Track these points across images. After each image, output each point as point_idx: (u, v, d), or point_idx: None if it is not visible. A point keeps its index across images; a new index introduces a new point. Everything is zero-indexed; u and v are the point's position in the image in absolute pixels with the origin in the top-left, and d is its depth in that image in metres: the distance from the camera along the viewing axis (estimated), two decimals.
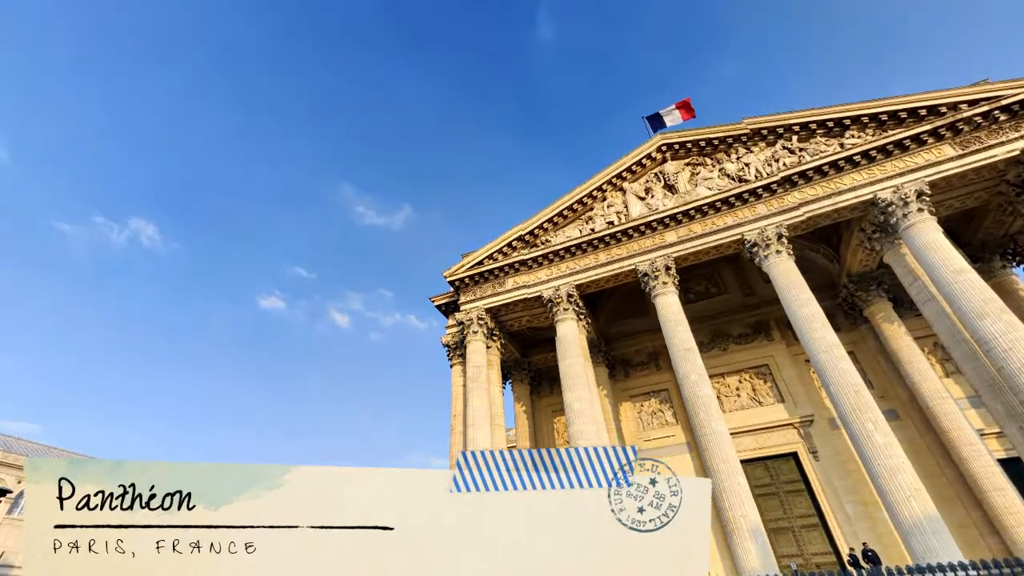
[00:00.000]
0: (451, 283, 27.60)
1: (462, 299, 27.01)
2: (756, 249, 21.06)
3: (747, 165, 23.19)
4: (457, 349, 27.58)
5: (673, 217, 22.99)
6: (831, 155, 20.82)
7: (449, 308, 29.22)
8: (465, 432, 23.62)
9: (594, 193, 25.99)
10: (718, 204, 22.39)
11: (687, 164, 25.42)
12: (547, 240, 26.26)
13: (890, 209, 19.40)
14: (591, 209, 26.28)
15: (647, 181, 25.66)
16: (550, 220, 26.17)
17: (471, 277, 26.70)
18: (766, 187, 21.71)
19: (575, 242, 24.54)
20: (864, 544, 17.12)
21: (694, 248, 22.51)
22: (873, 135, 21.08)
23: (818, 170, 21.01)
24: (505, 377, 30.10)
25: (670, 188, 24.92)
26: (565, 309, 23.88)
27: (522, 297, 25.38)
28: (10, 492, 12.63)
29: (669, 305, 21.77)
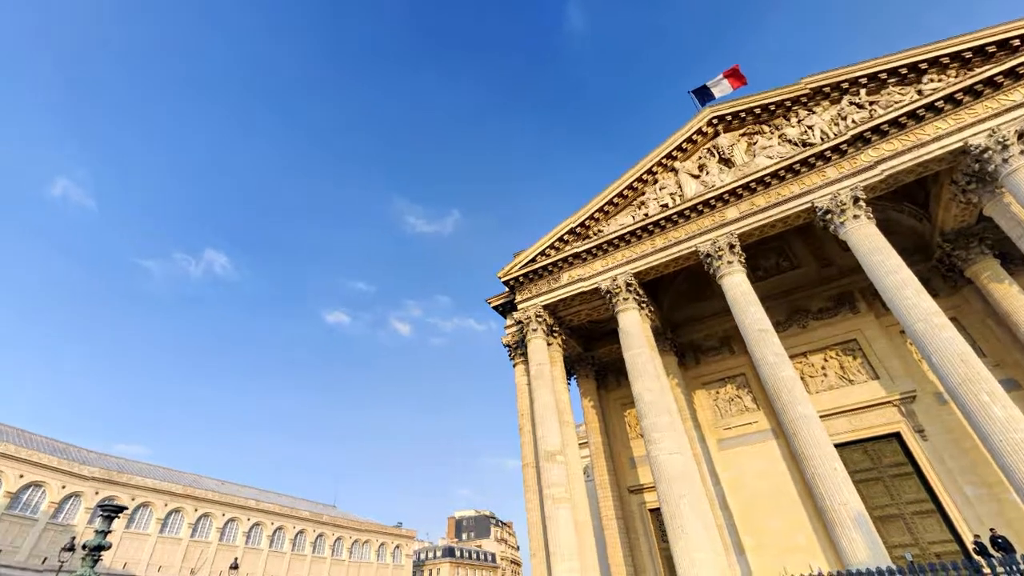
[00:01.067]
0: (505, 283, 27.73)
1: (518, 298, 27.07)
2: (830, 216, 19.53)
3: (810, 128, 21.60)
4: (518, 348, 27.67)
5: (732, 192, 21.81)
6: (909, 104, 18.91)
7: (506, 308, 29.38)
8: (534, 431, 23.63)
9: (644, 177, 25.19)
10: (781, 173, 20.98)
11: (742, 135, 24.06)
12: (599, 230, 25.76)
13: (986, 156, 17.34)
14: (642, 194, 25.50)
15: (700, 158, 24.55)
16: (600, 209, 25.65)
17: (525, 275, 26.69)
18: (835, 148, 20.08)
19: (628, 229, 23.88)
20: (992, 530, 15.33)
21: (759, 223, 21.22)
22: (957, 76, 18.96)
23: (894, 123, 19.17)
24: (569, 373, 29.82)
25: (726, 162, 23.70)
26: (625, 299, 23.29)
27: (579, 291, 25.04)
28: (126, 509, 14.28)
29: (737, 285, 20.66)
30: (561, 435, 22.59)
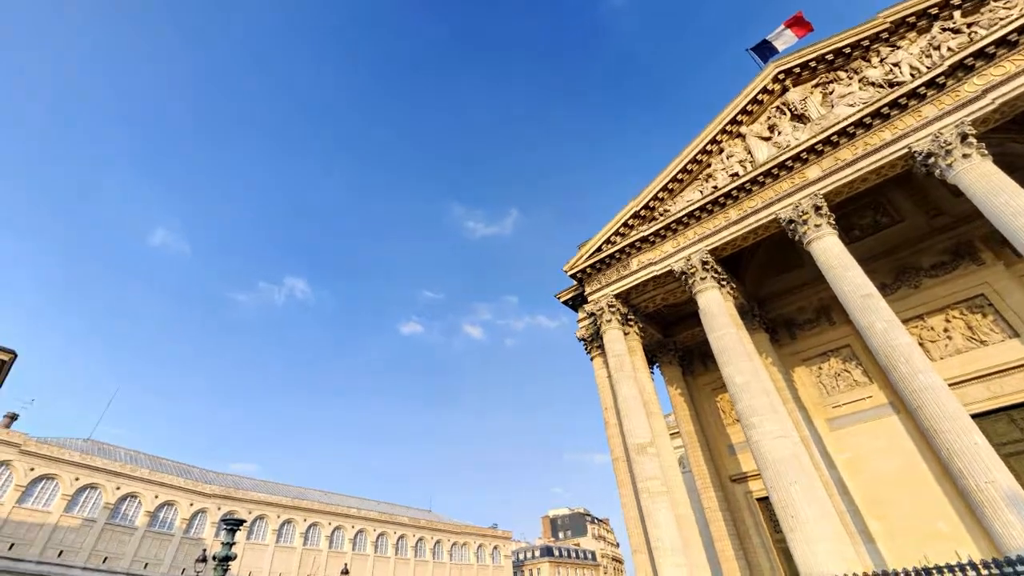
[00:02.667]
0: (572, 276, 27.56)
1: (587, 290, 26.81)
2: (933, 160, 17.48)
3: (896, 66, 19.49)
4: (593, 341, 27.40)
5: (811, 149, 20.16)
6: (1020, 17, 16.51)
7: (576, 302, 29.18)
8: (620, 424, 23.29)
9: (707, 148, 23.99)
10: (867, 120, 19.08)
11: (815, 86, 22.21)
12: (666, 210, 24.88)
13: None
14: (708, 166, 24.30)
15: (768, 118, 22.96)
16: (664, 188, 24.76)
17: (592, 266, 26.38)
18: (931, 83, 17.94)
19: (697, 205, 22.84)
20: None
21: (846, 179, 19.44)
22: None
23: (1003, 42, 16.79)
24: (651, 361, 29.06)
25: (799, 118, 21.99)
26: (702, 279, 22.30)
27: (651, 275, 24.33)
28: (245, 522, 15.99)
29: (828, 250, 19.08)
30: (650, 426, 22.09)
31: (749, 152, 22.74)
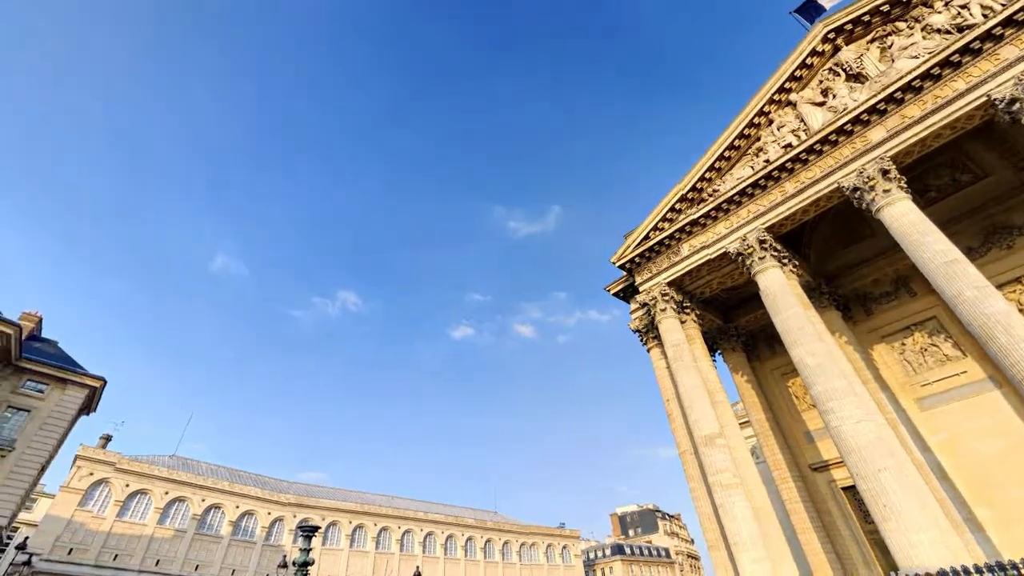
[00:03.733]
0: (621, 267, 27.20)
1: (638, 280, 26.38)
2: (1019, 107, 15.96)
3: (964, 7, 17.99)
4: (649, 332, 26.93)
5: (873, 110, 18.88)
6: None
7: (627, 293, 28.76)
8: (685, 416, 22.80)
9: (755, 120, 22.98)
10: (936, 71, 17.65)
11: (870, 41, 20.81)
12: (715, 190, 24.07)
13: None
14: (757, 140, 23.30)
15: (821, 82, 21.72)
16: (711, 168, 23.95)
17: (640, 255, 25.92)
18: (1009, 21, 16.37)
19: (749, 181, 21.95)
20: None
21: (915, 137, 18.08)
22: None
23: None
24: (712, 348, 28.22)
25: (856, 78, 20.67)
26: (761, 258, 21.42)
27: (704, 259, 23.63)
28: (319, 528, 16.89)
29: (902, 216, 17.82)
30: (716, 417, 21.50)
31: (802, 120, 21.60)
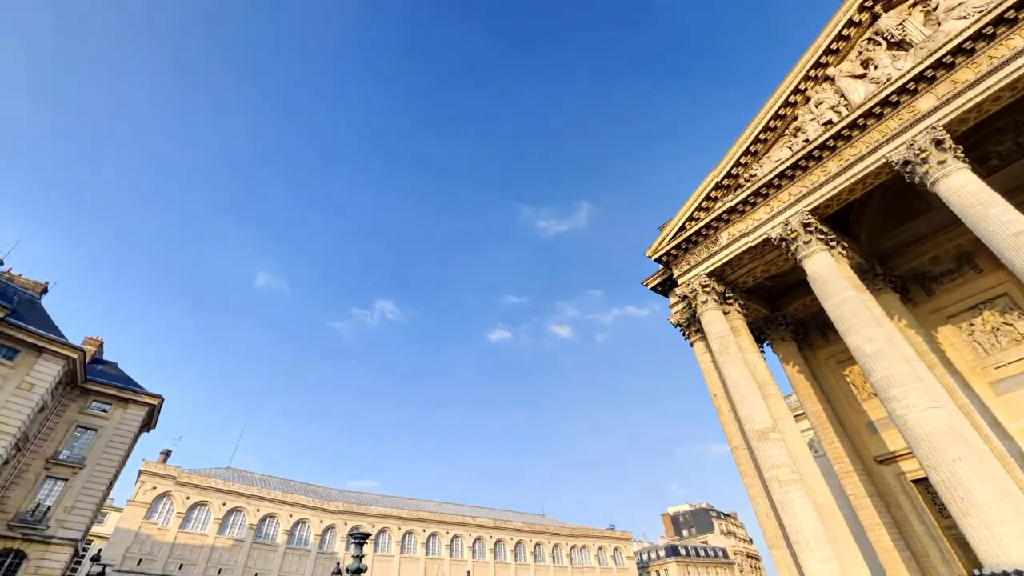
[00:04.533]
0: (657, 260, 26.81)
1: (676, 272, 25.95)
2: None
3: None
4: (690, 325, 26.43)
5: (920, 77, 17.91)
6: None
7: (665, 286, 28.31)
8: (734, 410, 22.27)
9: (791, 99, 22.19)
10: (989, 30, 16.61)
11: (912, 6, 19.85)
12: (752, 175, 23.40)
13: None
14: (794, 119, 22.50)
15: (860, 53, 20.78)
16: (747, 152, 23.30)
17: (677, 247, 25.49)
18: None
19: (789, 163, 21.22)
20: None
21: (970, 102, 17.04)
22: None
23: None
24: (759, 339, 27.46)
25: (898, 46, 19.69)
26: (806, 242, 20.68)
27: (745, 247, 23.00)
28: (370, 535, 17.29)
29: (961, 187, 16.84)
30: (768, 410, 20.88)
31: (842, 95, 20.73)
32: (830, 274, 19.80)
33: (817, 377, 26.21)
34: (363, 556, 17.85)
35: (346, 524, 72.86)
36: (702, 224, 24.12)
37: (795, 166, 21.06)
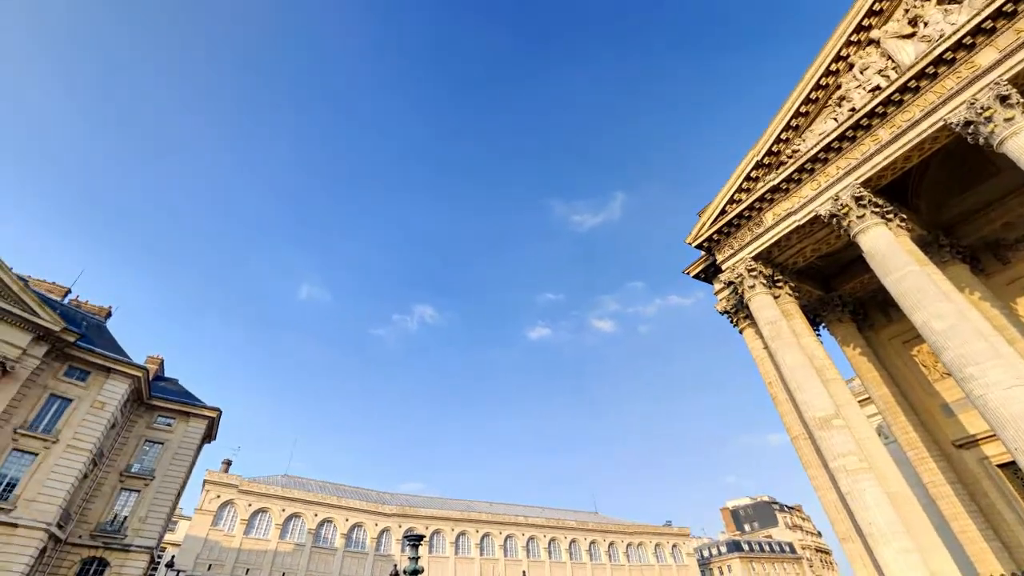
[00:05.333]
0: (699, 247, 26.31)
1: (719, 258, 25.38)
2: None
3: None
4: (738, 312, 25.82)
5: (978, 30, 16.76)
6: None
7: (709, 272, 27.72)
8: (792, 398, 21.64)
9: (832, 67, 21.21)
10: None
11: None
12: (795, 151, 22.55)
13: None
14: (838, 88, 21.52)
15: (907, 11, 19.62)
16: (787, 127, 22.46)
17: (718, 231, 24.92)
18: None
19: (835, 134, 20.32)
20: None
21: None
22: None
23: None
24: (814, 322, 26.52)
25: None
26: (860, 217, 19.77)
27: (792, 227, 22.23)
28: (424, 537, 17.75)
29: None
30: (830, 396, 20.16)
31: (889, 58, 19.67)
32: (889, 249, 18.90)
33: (881, 359, 25.07)
34: (419, 558, 18.49)
35: (400, 526, 75.09)
36: (744, 206, 23.47)
37: (842, 137, 20.17)
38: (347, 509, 72.86)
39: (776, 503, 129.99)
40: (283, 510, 68.12)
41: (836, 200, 20.42)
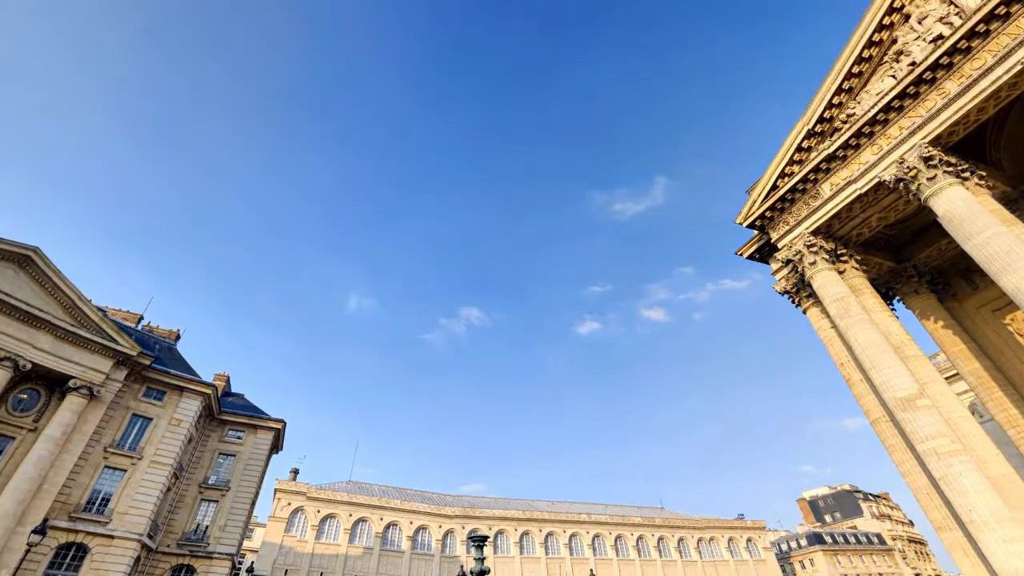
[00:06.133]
0: (750, 226, 25.38)
1: (773, 236, 24.40)
2: None
3: None
4: (799, 291, 24.74)
5: None
6: None
7: (764, 252, 26.69)
8: (868, 378, 20.55)
9: (886, 20, 19.82)
10: None
11: None
12: (849, 115, 21.31)
13: None
14: (893, 43, 20.12)
15: None
16: (839, 91, 21.24)
17: (771, 208, 23.95)
18: None
19: (895, 92, 19.00)
20: None
21: None
22: None
23: None
24: (887, 296, 25.11)
25: None
26: (931, 178, 18.47)
27: (853, 196, 21.03)
28: (488, 537, 18.13)
29: None
30: (911, 374, 18.98)
31: (951, 2, 18.21)
32: (968, 210, 17.59)
33: (969, 331, 23.36)
34: (484, 558, 18.94)
35: (463, 528, 76.81)
36: (797, 179, 22.44)
37: (903, 95, 18.88)
38: (411, 512, 75.29)
39: (859, 491, 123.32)
40: (350, 515, 71.27)
41: (902, 163, 19.17)
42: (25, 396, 32.22)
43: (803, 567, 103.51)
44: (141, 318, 45.62)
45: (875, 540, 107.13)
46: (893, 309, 24.79)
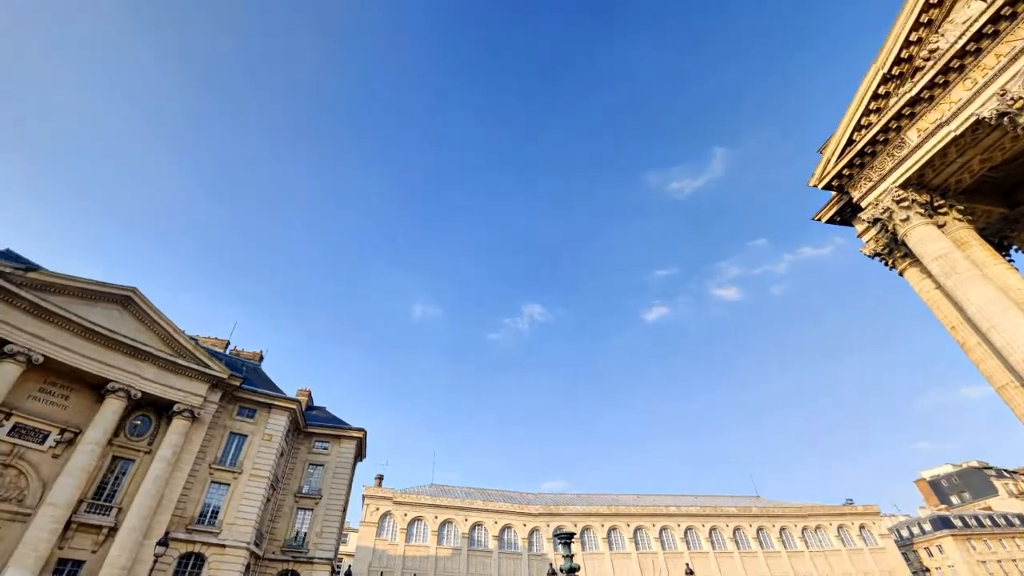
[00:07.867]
0: (826, 187, 23.89)
1: (855, 195, 22.86)
2: None
3: None
4: (893, 252, 23.07)
5: None
6: None
7: (845, 214, 25.02)
8: (988, 341, 18.87)
9: None
10: None
11: None
12: (932, 51, 19.51)
13: None
14: None
15: None
16: (916, 25, 19.47)
17: (848, 165, 22.42)
18: None
19: (987, 15, 17.18)
20: None
21: None
22: None
23: None
24: (1000, 247, 22.89)
25: None
26: None
27: (947, 139, 19.27)
28: (575, 534, 18.23)
29: None
30: None
31: None
32: None
33: None
34: (572, 555, 19.28)
35: (548, 525, 77.82)
36: (876, 129, 20.86)
37: (996, 18, 17.06)
38: (495, 512, 77.28)
39: (990, 468, 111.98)
40: (436, 517, 74.30)
41: (1003, 95, 17.35)
42: (139, 422, 36.44)
43: (930, 554, 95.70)
44: (228, 343, 49.98)
45: (1016, 522, 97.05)
46: (1011, 260, 22.60)
